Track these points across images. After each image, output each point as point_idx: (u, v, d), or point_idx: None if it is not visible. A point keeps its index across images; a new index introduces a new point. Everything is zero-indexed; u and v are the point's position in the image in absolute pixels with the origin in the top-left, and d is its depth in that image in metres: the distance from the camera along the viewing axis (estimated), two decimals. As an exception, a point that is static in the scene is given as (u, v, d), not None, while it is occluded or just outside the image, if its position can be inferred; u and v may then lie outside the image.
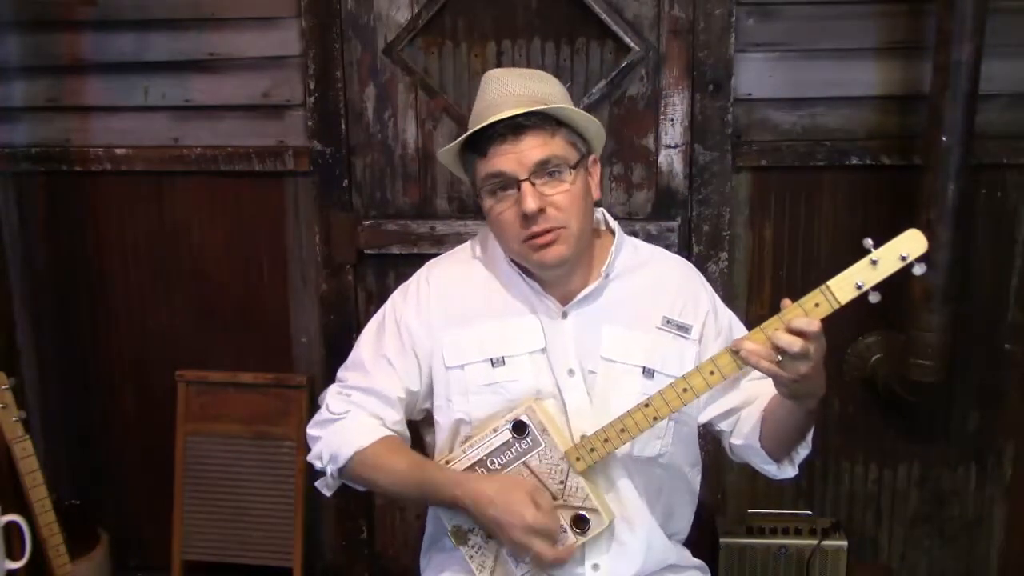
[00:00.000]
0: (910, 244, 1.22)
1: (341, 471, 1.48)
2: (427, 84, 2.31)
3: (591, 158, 1.46)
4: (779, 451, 1.46)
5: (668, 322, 1.47)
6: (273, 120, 2.38)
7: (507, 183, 1.37)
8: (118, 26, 2.37)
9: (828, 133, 2.23)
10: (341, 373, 1.57)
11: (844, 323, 2.28)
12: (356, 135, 2.36)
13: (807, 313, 1.24)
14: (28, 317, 2.58)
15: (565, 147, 1.39)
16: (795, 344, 1.22)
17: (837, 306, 1.25)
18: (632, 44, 2.22)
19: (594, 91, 2.24)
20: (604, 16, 2.21)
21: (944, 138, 2.01)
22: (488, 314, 1.48)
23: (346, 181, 2.37)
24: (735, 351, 1.28)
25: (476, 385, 1.46)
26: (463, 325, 1.48)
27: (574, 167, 1.38)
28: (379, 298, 2.43)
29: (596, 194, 1.46)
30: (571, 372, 1.45)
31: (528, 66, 2.26)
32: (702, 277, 1.57)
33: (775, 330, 1.24)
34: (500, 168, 1.36)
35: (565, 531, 1.38)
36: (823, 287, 1.25)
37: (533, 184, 1.35)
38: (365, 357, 1.54)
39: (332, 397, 1.54)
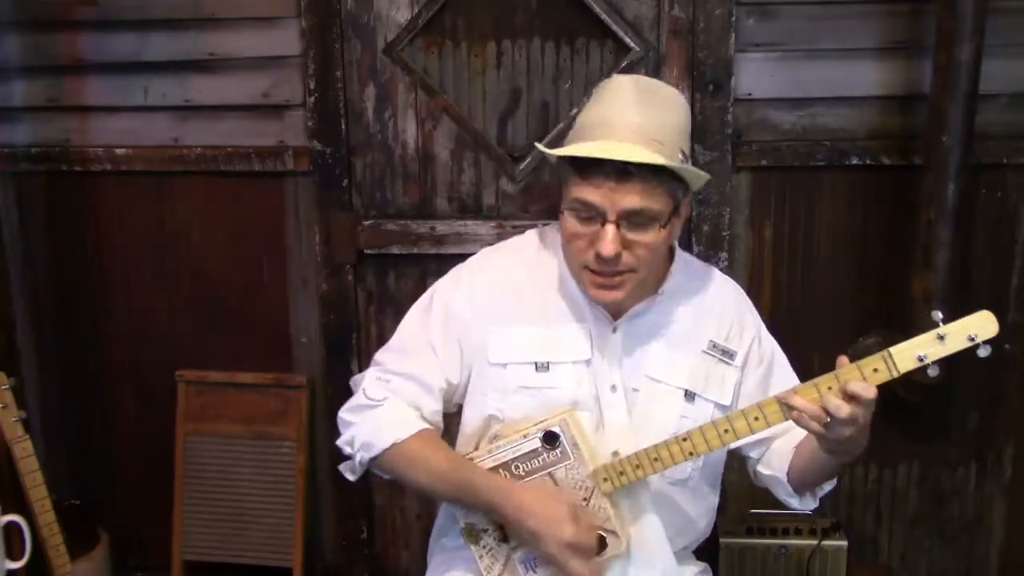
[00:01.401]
0: (981, 325, 1.21)
1: (372, 460, 1.44)
2: (427, 84, 2.31)
3: (685, 200, 1.38)
4: (804, 487, 1.45)
5: (714, 346, 1.45)
6: (273, 120, 2.38)
7: (593, 214, 1.31)
8: (118, 26, 2.37)
9: (828, 133, 2.23)
10: (380, 356, 1.52)
11: (844, 323, 2.28)
12: (356, 135, 2.36)
13: (865, 378, 1.22)
14: (28, 317, 2.58)
15: (663, 199, 1.31)
16: (842, 410, 1.20)
17: (896, 375, 1.22)
18: (632, 44, 2.22)
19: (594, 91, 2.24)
20: (604, 16, 2.21)
21: (944, 138, 2.01)
22: (539, 316, 1.44)
23: (346, 181, 2.36)
24: (784, 404, 1.25)
25: (515, 386, 1.43)
26: (512, 322, 1.44)
27: (665, 224, 1.32)
28: (379, 298, 2.43)
29: (677, 234, 1.41)
30: (614, 388, 1.42)
31: (528, 66, 2.27)
32: (750, 301, 1.55)
33: (828, 389, 1.22)
34: (591, 200, 1.29)
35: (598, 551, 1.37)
36: (885, 353, 1.22)
37: (618, 227, 1.29)
38: (408, 341, 1.49)
39: (369, 382, 1.48)
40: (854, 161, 2.22)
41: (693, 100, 2.22)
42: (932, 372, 1.23)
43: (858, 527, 2.39)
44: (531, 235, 1.54)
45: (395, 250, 2.38)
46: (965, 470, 2.37)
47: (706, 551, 1.66)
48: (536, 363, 1.43)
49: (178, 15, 2.34)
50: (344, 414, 1.50)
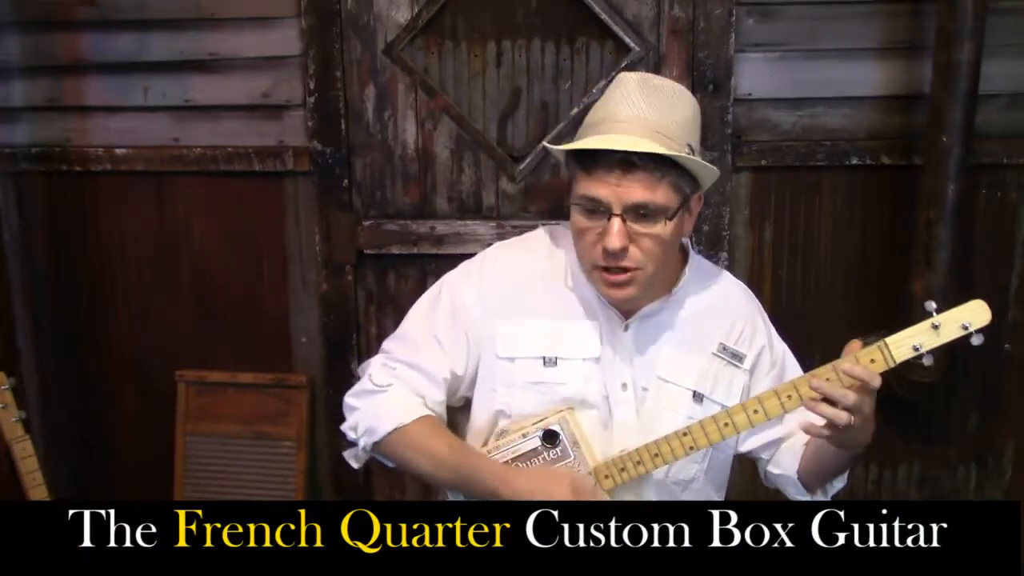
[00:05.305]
0: (974, 314, 1.23)
1: (375, 445, 1.44)
2: (427, 84, 2.31)
3: (695, 196, 1.38)
4: (815, 484, 1.47)
5: (724, 349, 1.45)
6: (273, 120, 2.38)
7: (599, 209, 1.31)
8: (118, 26, 2.37)
9: (828, 133, 2.23)
10: (387, 344, 1.51)
11: (844, 323, 2.28)
12: (356, 135, 2.36)
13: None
14: (28, 317, 2.58)
15: (668, 194, 1.30)
16: (848, 397, 1.23)
17: (893, 364, 1.25)
18: (632, 44, 2.22)
19: (594, 91, 2.24)
20: (604, 16, 2.21)
21: (944, 138, 2.01)
22: (549, 311, 1.43)
23: (346, 181, 2.37)
24: (807, 397, 1.28)
25: (523, 381, 1.42)
26: (521, 316, 1.43)
27: (671, 216, 1.31)
28: (379, 298, 2.43)
29: (688, 230, 1.41)
30: (624, 386, 1.42)
31: (528, 66, 2.27)
32: (759, 305, 1.54)
33: (826, 380, 1.26)
34: (597, 195, 1.29)
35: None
36: (881, 344, 1.24)
37: (624, 221, 1.29)
38: (415, 331, 1.48)
39: (376, 368, 1.48)
40: (854, 161, 2.22)
41: (693, 100, 2.22)
42: (927, 362, 1.25)
43: (858, 527, 2.39)
44: (541, 232, 1.53)
45: (395, 250, 2.38)
46: (965, 470, 2.37)
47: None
48: (544, 358, 1.42)
49: (178, 15, 2.34)
50: (349, 399, 1.50)
